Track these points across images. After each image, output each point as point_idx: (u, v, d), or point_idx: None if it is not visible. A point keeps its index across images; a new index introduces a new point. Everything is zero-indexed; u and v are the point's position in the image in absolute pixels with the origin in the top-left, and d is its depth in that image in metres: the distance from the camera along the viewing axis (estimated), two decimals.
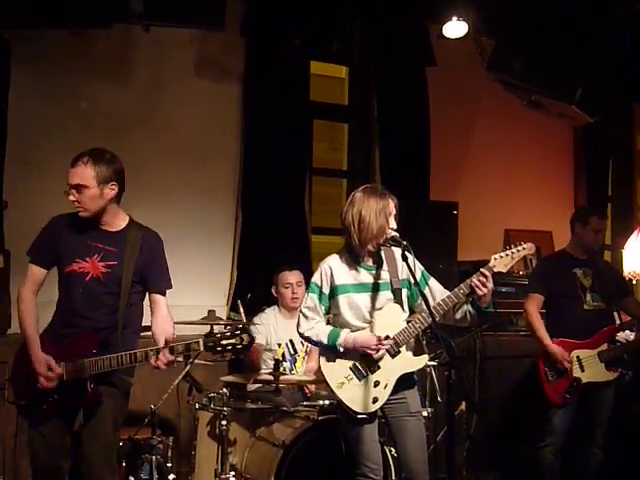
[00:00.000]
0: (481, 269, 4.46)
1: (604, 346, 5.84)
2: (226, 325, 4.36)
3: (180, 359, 5.17)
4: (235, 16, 6.75)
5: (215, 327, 5.14)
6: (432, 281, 4.67)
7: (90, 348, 4.25)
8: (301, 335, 4.66)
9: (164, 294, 4.53)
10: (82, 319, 4.32)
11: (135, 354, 4.24)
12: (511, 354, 6.78)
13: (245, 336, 4.21)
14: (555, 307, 5.96)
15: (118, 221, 4.45)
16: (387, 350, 4.48)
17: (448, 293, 4.52)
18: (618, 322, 6.38)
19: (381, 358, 4.49)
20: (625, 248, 7.37)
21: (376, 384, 4.49)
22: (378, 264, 4.61)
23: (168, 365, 4.27)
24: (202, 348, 4.21)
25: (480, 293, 4.40)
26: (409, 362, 4.57)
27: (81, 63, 6.46)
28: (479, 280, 4.41)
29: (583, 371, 5.78)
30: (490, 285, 4.42)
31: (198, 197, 6.89)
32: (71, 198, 4.31)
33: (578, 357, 5.79)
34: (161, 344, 4.28)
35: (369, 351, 4.45)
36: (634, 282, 7.45)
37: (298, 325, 4.66)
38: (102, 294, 4.35)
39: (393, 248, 4.54)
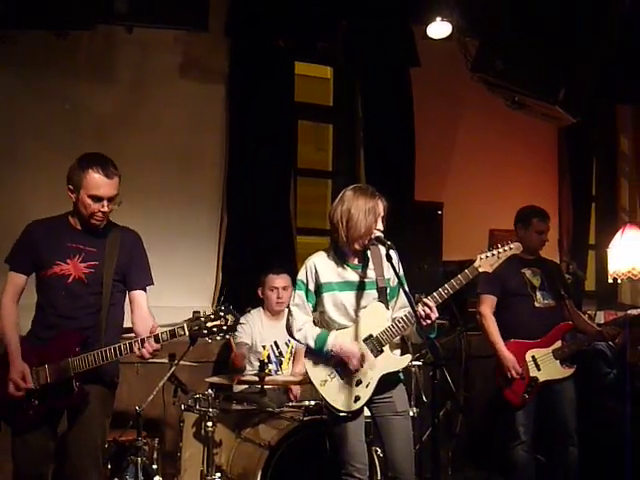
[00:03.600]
0: (424, 299, 4.46)
1: (558, 344, 5.87)
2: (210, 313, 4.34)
3: (165, 360, 5.19)
4: (219, 17, 6.75)
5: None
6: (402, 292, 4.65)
7: (73, 347, 4.23)
8: (290, 335, 4.68)
9: (145, 290, 4.53)
10: (65, 319, 4.30)
11: (119, 347, 4.21)
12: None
13: (229, 316, 4.17)
14: (507, 307, 5.96)
15: None
16: (370, 350, 4.51)
17: (407, 310, 4.49)
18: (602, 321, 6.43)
19: (358, 370, 4.51)
20: (609, 248, 7.40)
21: (358, 383, 4.51)
22: (364, 263, 4.63)
23: (153, 354, 4.23)
24: (187, 333, 4.19)
25: (424, 324, 4.39)
26: (392, 361, 4.58)
27: (65, 64, 6.44)
28: (423, 310, 4.41)
29: (539, 370, 5.81)
30: (434, 315, 4.42)
31: (183, 198, 6.88)
32: (106, 209, 4.31)
33: (533, 357, 5.82)
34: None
35: (350, 365, 4.47)
36: (619, 281, 7.47)
37: (287, 324, 4.68)
38: (85, 295, 4.34)
39: (379, 246, 4.53)
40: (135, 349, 4.21)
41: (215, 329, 4.16)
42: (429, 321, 4.40)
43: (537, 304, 5.92)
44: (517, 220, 6.13)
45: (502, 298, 5.97)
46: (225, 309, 4.21)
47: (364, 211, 4.46)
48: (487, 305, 5.98)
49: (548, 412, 5.87)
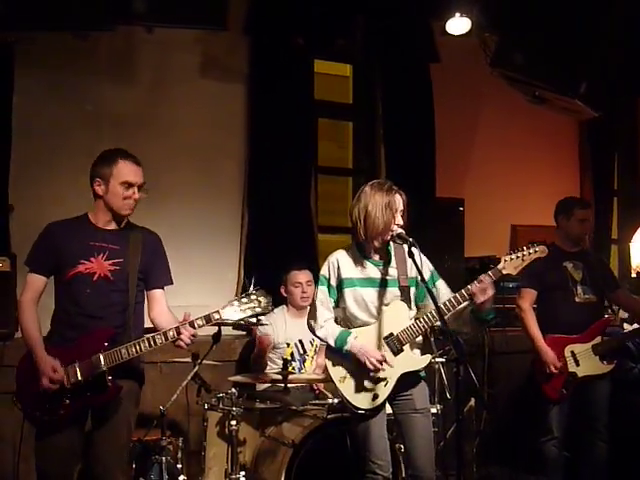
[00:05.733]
0: (480, 276, 4.43)
1: (597, 339, 5.81)
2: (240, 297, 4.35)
3: (188, 360, 5.19)
4: (238, 15, 6.76)
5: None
6: (440, 282, 4.65)
7: (102, 342, 4.19)
8: (312, 332, 4.68)
9: (163, 289, 4.53)
10: (91, 319, 4.26)
11: (154, 337, 4.20)
12: (519, 349, 6.73)
13: (262, 298, 4.20)
14: (547, 301, 5.93)
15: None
16: (390, 348, 4.49)
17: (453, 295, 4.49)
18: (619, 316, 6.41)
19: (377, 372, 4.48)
20: (632, 241, 7.36)
21: (377, 381, 4.49)
22: (386, 260, 4.62)
23: (192, 339, 4.23)
24: (222, 316, 4.20)
25: (478, 301, 4.39)
26: (411, 361, 4.56)
27: (85, 65, 6.46)
28: (478, 287, 4.40)
29: (578, 365, 5.76)
30: (490, 292, 4.40)
31: (204, 197, 6.90)
32: (137, 196, 4.36)
33: (572, 352, 5.77)
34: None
35: (368, 365, 4.44)
36: None
37: (309, 320, 4.68)
38: (110, 292, 4.31)
39: (404, 245, 4.49)
40: (170, 336, 4.20)
41: (249, 311, 4.18)
42: (487, 296, 4.38)
43: (577, 299, 5.86)
44: (558, 211, 6.08)
45: (542, 292, 5.93)
46: (257, 291, 4.23)
47: (381, 207, 4.45)
48: (527, 299, 5.94)
49: (581, 407, 5.84)
